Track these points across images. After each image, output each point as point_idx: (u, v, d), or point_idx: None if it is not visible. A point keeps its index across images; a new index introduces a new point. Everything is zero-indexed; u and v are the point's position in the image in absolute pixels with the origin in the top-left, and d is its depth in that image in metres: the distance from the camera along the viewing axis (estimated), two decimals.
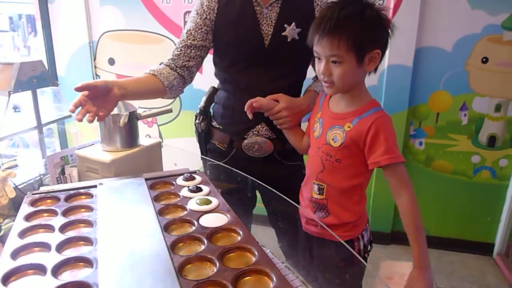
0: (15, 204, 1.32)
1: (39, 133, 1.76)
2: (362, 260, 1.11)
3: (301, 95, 1.40)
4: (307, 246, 1.23)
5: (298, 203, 1.23)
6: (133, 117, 1.30)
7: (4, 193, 1.24)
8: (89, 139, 2.82)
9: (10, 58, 2.49)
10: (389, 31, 1.05)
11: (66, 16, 2.75)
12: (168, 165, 1.48)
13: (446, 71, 2.41)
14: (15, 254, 0.79)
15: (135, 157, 1.30)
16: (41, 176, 1.43)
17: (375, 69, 1.09)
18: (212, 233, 0.85)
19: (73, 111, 1.04)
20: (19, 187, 1.39)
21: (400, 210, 1.06)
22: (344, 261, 1.12)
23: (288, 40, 1.30)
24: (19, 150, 1.89)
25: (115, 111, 1.27)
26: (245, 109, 1.26)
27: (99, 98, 1.09)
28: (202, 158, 1.54)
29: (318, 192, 1.16)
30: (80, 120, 1.04)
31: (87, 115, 1.05)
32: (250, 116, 1.25)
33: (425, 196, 2.62)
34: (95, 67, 2.80)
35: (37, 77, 1.56)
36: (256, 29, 1.30)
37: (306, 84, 1.44)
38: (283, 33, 1.29)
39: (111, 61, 2.76)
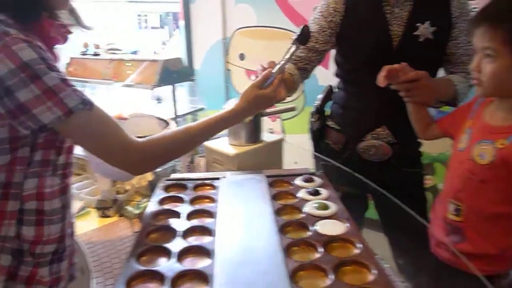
0: (152, 186, 1.49)
1: (175, 123, 1.95)
2: None
3: None
4: (435, 272, 1.10)
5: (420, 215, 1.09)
6: (258, 114, 1.34)
7: (144, 176, 1.40)
8: None
9: (159, 53, 2.80)
10: None
11: (205, 14, 2.98)
12: (289, 161, 1.49)
13: None
14: (148, 235, 0.87)
15: (258, 153, 1.34)
16: (175, 162, 1.57)
17: None
18: (329, 242, 0.82)
19: None
20: (156, 171, 1.56)
21: None
22: None
23: (420, 40, 1.21)
24: None
25: None
26: (380, 75, 1.11)
27: None
28: (315, 157, 1.51)
29: (454, 213, 1.02)
30: None
31: None
32: (382, 83, 1.10)
33: None
34: (227, 62, 2.98)
35: (177, 73, 1.73)
36: (385, 30, 1.23)
37: None
38: (414, 33, 1.21)
39: (242, 57, 2.90)
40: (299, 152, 1.79)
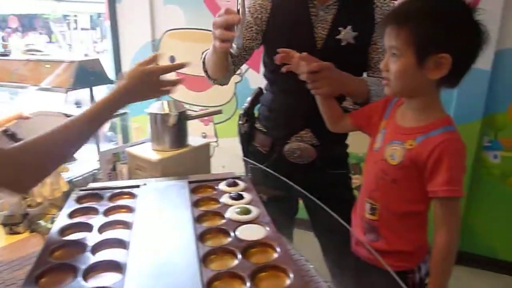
0: (68, 197, 1.38)
1: None
2: None
3: None
4: (355, 270, 1.12)
5: (342, 215, 1.10)
6: (183, 118, 1.29)
7: (58, 186, 1.29)
8: (146, 134, 2.92)
9: (90, 55, 2.62)
10: (477, 37, 0.90)
11: (132, 15, 2.86)
12: (219, 166, 1.45)
13: None
14: (52, 252, 0.79)
15: (183, 158, 1.29)
16: (95, 170, 1.47)
17: (454, 83, 0.95)
18: (248, 247, 0.80)
19: None
20: (75, 179, 1.45)
21: (434, 245, 0.95)
22: None
23: (343, 44, 1.22)
24: None
25: (165, 110, 1.27)
26: (278, 54, 1.12)
27: None
28: (244, 160, 1.50)
29: (370, 212, 1.05)
30: None
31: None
32: (278, 62, 1.12)
33: (498, 215, 2.35)
34: (157, 64, 2.88)
35: (95, 75, 1.62)
36: (310, 32, 1.23)
37: None
38: (337, 36, 1.22)
39: (172, 59, 2.82)
40: (229, 156, 1.76)
